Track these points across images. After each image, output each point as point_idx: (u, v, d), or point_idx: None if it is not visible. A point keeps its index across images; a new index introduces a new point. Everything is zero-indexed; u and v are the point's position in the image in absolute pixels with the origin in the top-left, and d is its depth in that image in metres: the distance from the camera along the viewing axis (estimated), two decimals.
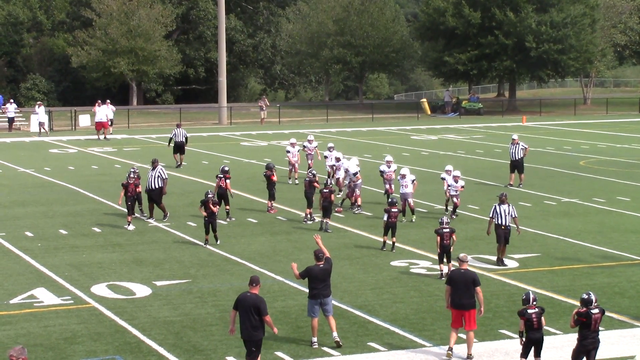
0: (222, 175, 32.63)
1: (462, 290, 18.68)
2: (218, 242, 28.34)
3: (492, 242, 28.92)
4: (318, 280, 19.01)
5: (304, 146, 41.65)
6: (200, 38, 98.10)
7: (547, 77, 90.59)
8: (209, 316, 21.35)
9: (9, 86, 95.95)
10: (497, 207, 25.87)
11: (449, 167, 32.87)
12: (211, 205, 28.05)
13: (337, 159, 36.44)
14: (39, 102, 70.03)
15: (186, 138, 47.42)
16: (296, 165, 40.32)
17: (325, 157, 38.53)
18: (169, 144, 47.58)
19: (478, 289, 18.70)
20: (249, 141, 59.81)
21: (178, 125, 49.10)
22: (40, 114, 63.41)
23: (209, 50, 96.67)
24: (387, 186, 33.80)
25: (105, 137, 60.00)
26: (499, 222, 25.74)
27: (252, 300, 17.19)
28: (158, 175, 32.24)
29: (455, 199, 32.21)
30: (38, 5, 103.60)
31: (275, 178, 33.86)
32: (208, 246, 28.16)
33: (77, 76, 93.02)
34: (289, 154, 40.25)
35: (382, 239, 27.91)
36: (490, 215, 26.05)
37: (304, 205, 32.43)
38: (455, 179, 31.93)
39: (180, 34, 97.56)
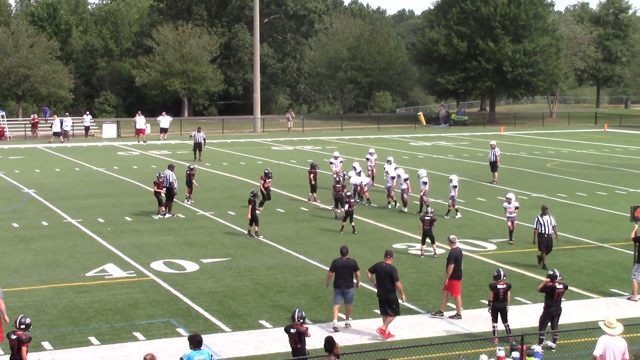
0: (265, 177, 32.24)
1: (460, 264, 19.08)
2: (260, 237, 27.33)
3: (476, 228, 28.97)
4: (340, 272, 18.12)
5: (367, 159, 38.49)
6: (239, 62, 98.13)
7: (520, 95, 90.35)
8: (245, 287, 21.39)
9: (86, 101, 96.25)
10: (540, 218, 23.74)
11: (509, 195, 27.21)
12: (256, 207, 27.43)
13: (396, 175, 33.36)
14: (66, 114, 69.66)
15: (204, 139, 50.58)
16: (339, 173, 34.22)
17: (331, 163, 35.88)
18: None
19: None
20: (278, 146, 59.84)
21: (199, 129, 51.10)
22: (55, 124, 61.75)
23: (246, 72, 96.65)
24: (389, 184, 33.43)
25: (143, 141, 60.46)
26: (542, 231, 23.64)
27: (387, 268, 17.65)
28: (171, 178, 31.30)
29: (509, 223, 26.98)
30: (109, 36, 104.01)
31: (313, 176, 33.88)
32: (244, 230, 28.11)
33: (140, 93, 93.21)
34: (332, 165, 36.11)
35: (420, 247, 25.37)
36: (535, 227, 23.78)
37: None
38: (508, 200, 26.92)
39: (223, 58, 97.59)
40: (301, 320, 15.05)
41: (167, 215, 30.71)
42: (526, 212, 32.01)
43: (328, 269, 18.97)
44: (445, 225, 28.93)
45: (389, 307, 17.69)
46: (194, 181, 33.85)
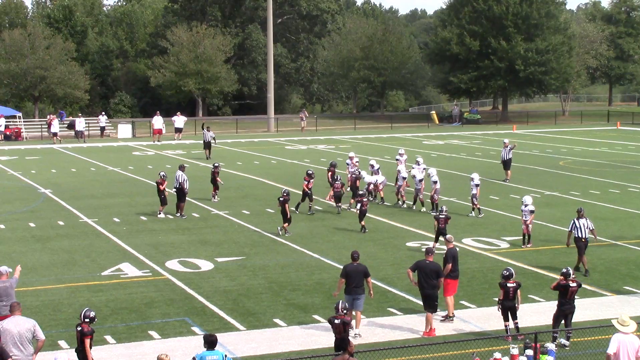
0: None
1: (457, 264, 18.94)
2: (288, 234, 27.38)
3: (489, 226, 28.85)
4: (351, 278, 17.61)
5: (397, 159, 37.39)
6: (253, 62, 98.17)
7: (533, 93, 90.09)
8: (260, 286, 21.37)
9: (101, 101, 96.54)
10: (576, 221, 22.88)
11: (523, 199, 26.39)
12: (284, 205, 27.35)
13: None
14: (79, 114, 69.97)
15: (214, 138, 51.38)
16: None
17: (347, 164, 35.75)
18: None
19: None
20: (292, 145, 59.82)
21: (208, 129, 51.64)
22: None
23: (259, 72, 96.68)
24: (401, 182, 33.36)
25: (159, 141, 60.92)
26: (579, 235, 22.74)
27: (432, 266, 17.86)
28: (181, 179, 30.83)
29: (523, 226, 26.07)
30: (124, 37, 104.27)
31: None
32: (258, 229, 28.15)
33: (154, 93, 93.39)
34: (348, 166, 36.02)
35: (432, 244, 24.95)
36: (570, 229, 23.00)
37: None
38: (524, 203, 26.08)
39: (237, 59, 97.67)
40: (345, 311, 15.51)
41: (178, 216, 30.44)
42: (539, 210, 31.84)
43: (342, 267, 18.88)
44: (458, 223, 28.83)
45: (430, 305, 17.82)
46: (218, 179, 34.18)
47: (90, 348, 14.27)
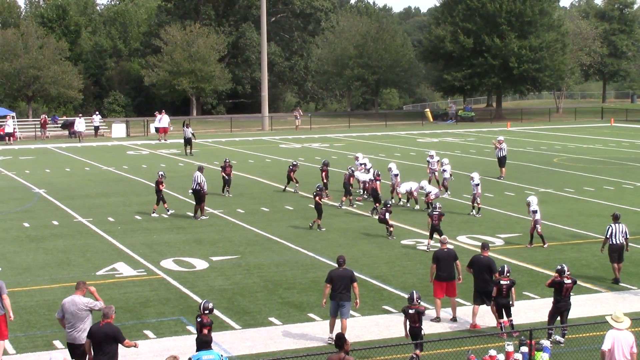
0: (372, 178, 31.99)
1: (446, 266, 18.48)
2: (322, 229, 27.80)
3: (484, 223, 28.87)
4: (336, 283, 16.95)
5: (428, 161, 36.93)
6: (247, 61, 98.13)
7: (526, 90, 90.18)
8: (255, 285, 21.36)
9: (95, 101, 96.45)
10: (612, 226, 21.62)
11: (527, 199, 25.81)
12: (317, 198, 27.85)
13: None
14: (79, 115, 69.86)
15: (193, 134, 52.59)
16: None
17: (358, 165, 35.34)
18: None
19: (457, 262, 18.69)
20: (286, 144, 59.81)
21: (187, 125, 52.59)
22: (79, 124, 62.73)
23: (253, 70, 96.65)
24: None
25: (165, 140, 61.20)
26: (614, 241, 21.55)
27: (485, 261, 17.97)
28: (200, 180, 30.34)
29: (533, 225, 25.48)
30: (118, 36, 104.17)
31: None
32: (253, 228, 28.15)
33: (148, 92, 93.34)
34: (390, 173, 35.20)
35: (427, 241, 25.08)
36: (607, 235, 21.72)
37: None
38: (527, 204, 25.67)
39: (230, 57, 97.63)
40: (419, 301, 15.98)
41: (202, 217, 29.98)
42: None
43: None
44: (453, 221, 28.85)
45: (487, 298, 17.84)
46: (229, 173, 35.12)
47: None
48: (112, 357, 13.74)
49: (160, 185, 30.74)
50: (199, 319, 15.20)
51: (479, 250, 18.95)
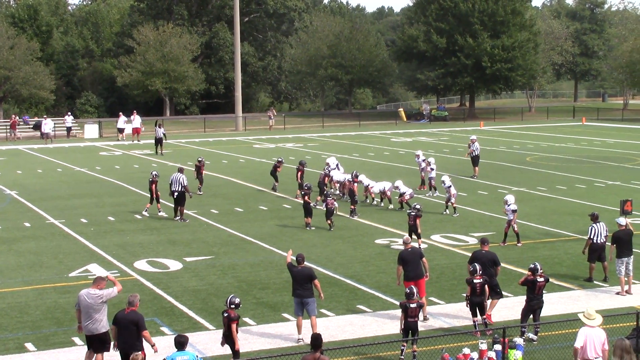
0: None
1: (413, 265, 18.30)
2: (310, 228, 28.04)
3: (457, 222, 28.97)
4: (297, 281, 17.06)
5: (417, 162, 36.95)
6: (220, 61, 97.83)
7: (499, 90, 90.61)
8: (229, 285, 21.31)
9: (67, 101, 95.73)
10: (595, 226, 21.46)
11: (505, 197, 25.86)
12: (306, 198, 28.25)
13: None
14: (44, 116, 69.33)
15: (164, 134, 53.11)
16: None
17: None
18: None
19: (424, 260, 18.68)
20: (260, 144, 59.73)
21: (160, 125, 53.15)
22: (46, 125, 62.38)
23: (227, 71, 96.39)
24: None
25: (138, 140, 61.20)
26: (597, 240, 21.32)
27: (488, 255, 18.53)
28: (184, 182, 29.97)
29: (506, 224, 25.76)
30: (90, 37, 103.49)
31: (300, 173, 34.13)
32: (227, 228, 28.08)
33: (121, 93, 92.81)
34: (419, 163, 36.08)
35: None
36: (589, 235, 21.47)
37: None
38: (505, 202, 25.66)
39: (204, 58, 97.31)
40: (418, 296, 16.64)
41: (178, 220, 29.60)
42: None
43: (310, 265, 18.87)
44: (427, 220, 28.89)
45: (493, 291, 18.09)
46: (203, 172, 35.57)
47: (237, 333, 15.37)
48: (135, 343, 14.62)
49: (153, 185, 30.68)
50: (225, 314, 15.45)
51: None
